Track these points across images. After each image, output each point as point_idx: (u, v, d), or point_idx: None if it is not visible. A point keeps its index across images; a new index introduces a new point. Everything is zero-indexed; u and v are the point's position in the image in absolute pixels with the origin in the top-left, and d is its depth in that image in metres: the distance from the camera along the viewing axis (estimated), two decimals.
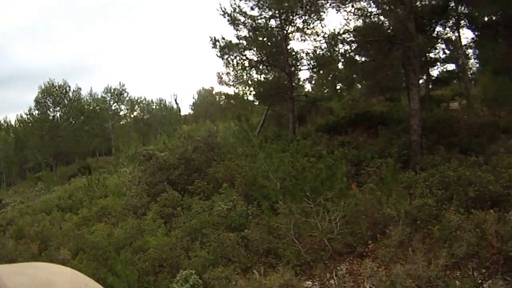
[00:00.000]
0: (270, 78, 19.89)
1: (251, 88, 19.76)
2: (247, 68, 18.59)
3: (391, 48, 15.35)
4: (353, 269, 8.18)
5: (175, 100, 51.56)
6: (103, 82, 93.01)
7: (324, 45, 17.21)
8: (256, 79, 19.60)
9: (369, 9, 16.29)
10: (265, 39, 17.29)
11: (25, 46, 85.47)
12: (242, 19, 18.68)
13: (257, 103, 22.01)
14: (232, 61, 18.46)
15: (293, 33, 19.14)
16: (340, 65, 20.50)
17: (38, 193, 28.20)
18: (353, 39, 16.05)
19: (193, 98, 52.57)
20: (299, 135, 18.86)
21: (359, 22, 16.04)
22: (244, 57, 18.02)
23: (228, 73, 20.68)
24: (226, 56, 17.94)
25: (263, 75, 19.82)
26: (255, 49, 17.68)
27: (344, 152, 13.81)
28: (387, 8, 15.51)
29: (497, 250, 6.94)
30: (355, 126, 19.32)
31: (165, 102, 46.85)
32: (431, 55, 22.11)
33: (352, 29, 16.30)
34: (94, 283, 0.76)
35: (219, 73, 21.65)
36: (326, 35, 16.19)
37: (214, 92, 40.99)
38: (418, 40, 13.45)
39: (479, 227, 7.55)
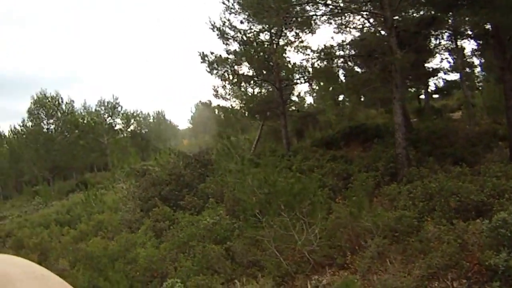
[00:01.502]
0: (262, 93, 20.90)
1: (244, 103, 20.63)
2: (237, 83, 19.52)
3: (374, 63, 16.24)
4: (334, 280, 8.69)
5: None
6: (96, 94, 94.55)
7: (315, 60, 17.62)
8: (247, 94, 20.54)
9: (353, 24, 17.46)
10: (254, 53, 18.20)
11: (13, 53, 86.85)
12: (232, 33, 19.29)
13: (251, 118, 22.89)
14: (223, 75, 19.47)
15: (285, 46, 19.64)
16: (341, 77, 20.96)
17: (36, 207, 29.40)
18: (341, 54, 17.17)
19: (191, 112, 53.24)
20: (293, 151, 19.95)
21: (350, 36, 17.03)
22: (233, 72, 19.00)
23: (224, 86, 21.69)
24: (215, 71, 19.02)
25: (256, 89, 20.84)
26: (245, 63, 18.71)
27: (332, 167, 14.94)
28: (369, 23, 16.64)
29: (478, 260, 7.12)
30: (350, 139, 20.19)
31: (163, 115, 48.18)
32: (431, 65, 22.94)
33: (342, 42, 17.43)
34: (51, 273, 0.78)
35: (214, 87, 22.72)
36: (319, 49, 16.77)
37: (212, 106, 42.13)
38: (397, 55, 14.03)
39: (460, 237, 7.75)
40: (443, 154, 15.43)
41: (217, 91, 22.20)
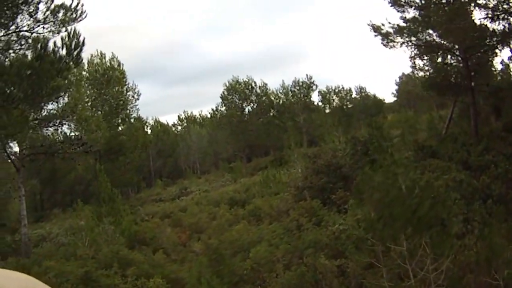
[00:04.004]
0: (448, 64, 17.33)
1: (428, 76, 17.69)
2: (419, 55, 16.78)
3: None
4: None
5: None
6: (298, 72, 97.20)
7: None
8: (431, 66, 17.49)
9: None
10: (437, 16, 14.99)
11: (214, 41, 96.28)
12: None
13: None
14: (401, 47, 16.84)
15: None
16: None
17: (223, 184, 32.38)
18: None
19: (395, 84, 50.60)
20: (481, 135, 15.95)
21: None
22: (413, 43, 16.24)
23: (421, 57, 18.92)
24: (391, 44, 16.55)
25: (439, 60, 17.47)
26: (428, 30, 15.68)
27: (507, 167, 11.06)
28: None
29: None
30: None
31: (365, 90, 46.74)
32: None
33: None
34: (46, 287, 0.82)
35: (412, 57, 20.12)
36: None
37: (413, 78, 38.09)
38: None
39: None
40: None
41: (414, 62, 19.54)
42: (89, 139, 20.32)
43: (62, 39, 9.37)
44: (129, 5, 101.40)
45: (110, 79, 27.09)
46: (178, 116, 55.74)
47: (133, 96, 29.45)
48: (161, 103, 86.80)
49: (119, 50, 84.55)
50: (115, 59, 27.59)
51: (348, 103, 45.77)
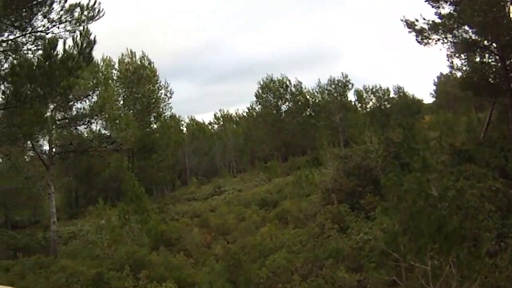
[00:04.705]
0: (486, 63, 16.05)
1: (465, 76, 16.49)
2: (455, 53, 15.64)
3: None
4: None
5: None
6: (334, 72, 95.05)
7: None
8: (468, 65, 16.29)
9: None
10: (475, 12, 13.86)
11: (252, 39, 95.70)
12: None
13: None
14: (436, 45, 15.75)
15: None
16: None
17: (257, 183, 31.91)
18: None
19: (433, 85, 48.99)
20: None
21: None
22: (449, 40, 15.15)
23: (458, 56, 17.81)
24: (426, 41, 15.48)
25: (477, 59, 16.20)
26: (464, 27, 14.54)
27: None
28: None
29: None
30: None
31: (403, 90, 45.29)
32: None
33: None
34: None
35: (450, 56, 18.94)
36: None
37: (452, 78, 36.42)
38: None
39: None
40: None
41: (452, 62, 18.36)
42: (119, 138, 20.39)
43: (73, 38, 9.21)
44: (168, 3, 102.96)
45: (140, 77, 27.25)
46: (214, 115, 56.02)
47: (165, 94, 29.55)
48: (199, 101, 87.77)
49: (157, 47, 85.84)
50: (145, 57, 27.78)
51: (386, 103, 44.53)
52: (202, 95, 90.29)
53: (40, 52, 10.08)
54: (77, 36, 9.01)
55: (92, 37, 9.31)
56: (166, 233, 19.10)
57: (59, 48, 9.18)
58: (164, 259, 12.69)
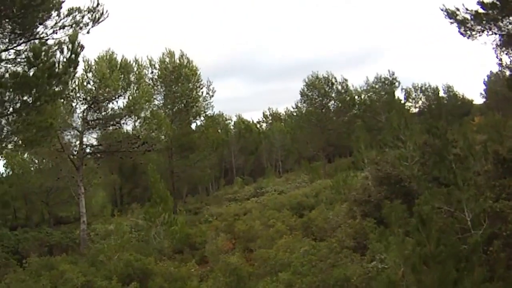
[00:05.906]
0: None
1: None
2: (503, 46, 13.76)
3: None
4: None
5: None
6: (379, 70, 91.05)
7: None
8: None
9: None
10: None
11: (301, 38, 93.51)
12: None
13: None
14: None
15: None
16: None
17: (298, 185, 30.95)
18: None
19: (484, 84, 45.54)
20: None
21: None
22: (494, 32, 13.29)
23: (504, 49, 15.89)
24: (470, 33, 13.67)
25: None
26: (506, 18, 12.64)
27: None
28: None
29: None
30: None
31: (452, 89, 42.20)
32: None
33: None
34: None
35: (497, 51, 17.04)
36: None
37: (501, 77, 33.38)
38: None
39: None
40: None
41: (500, 59, 16.44)
42: (148, 138, 20.31)
43: (58, 44, 8.90)
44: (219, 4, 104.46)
45: (179, 76, 27.11)
46: (263, 113, 55.43)
47: (207, 93, 29.23)
48: (251, 99, 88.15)
49: (209, 45, 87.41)
50: (183, 56, 27.57)
51: (435, 102, 41.93)
52: (254, 93, 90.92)
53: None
54: (60, 43, 8.65)
55: (77, 42, 8.92)
56: (192, 236, 18.76)
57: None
58: (166, 270, 12.15)
